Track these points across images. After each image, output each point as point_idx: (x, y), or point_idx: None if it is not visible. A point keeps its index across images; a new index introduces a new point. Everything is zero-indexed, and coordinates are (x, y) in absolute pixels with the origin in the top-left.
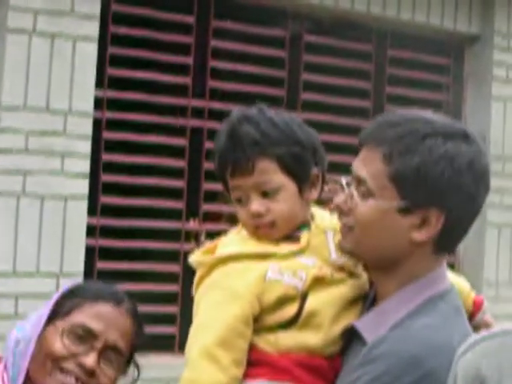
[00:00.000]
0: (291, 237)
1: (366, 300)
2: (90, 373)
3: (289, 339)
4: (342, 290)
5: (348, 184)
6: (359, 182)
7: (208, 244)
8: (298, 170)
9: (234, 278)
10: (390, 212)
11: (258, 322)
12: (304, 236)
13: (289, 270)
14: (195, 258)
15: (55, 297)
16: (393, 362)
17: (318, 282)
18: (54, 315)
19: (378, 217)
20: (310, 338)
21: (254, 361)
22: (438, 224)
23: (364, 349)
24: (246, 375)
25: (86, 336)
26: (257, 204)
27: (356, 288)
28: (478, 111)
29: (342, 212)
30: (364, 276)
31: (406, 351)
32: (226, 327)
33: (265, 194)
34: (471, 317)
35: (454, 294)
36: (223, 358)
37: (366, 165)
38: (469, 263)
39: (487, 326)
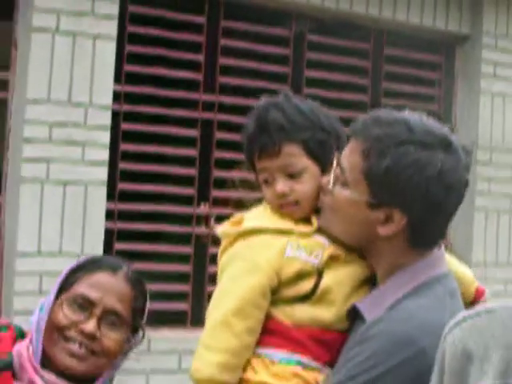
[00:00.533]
0: (311, 217)
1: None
2: (92, 337)
3: (304, 313)
4: (354, 270)
5: (337, 163)
6: (341, 170)
7: (236, 216)
8: (321, 154)
9: (255, 251)
10: (360, 204)
11: (276, 295)
12: None
13: (306, 247)
14: (223, 228)
15: (62, 274)
16: (387, 340)
17: (333, 260)
18: (61, 291)
19: (349, 206)
20: (323, 313)
21: (270, 330)
22: (400, 223)
23: (362, 327)
24: (261, 342)
25: (85, 305)
26: (282, 185)
27: (366, 269)
28: (468, 105)
29: (324, 191)
30: None
31: (399, 330)
32: (243, 297)
33: (290, 176)
34: (474, 303)
35: (451, 278)
36: (237, 326)
37: (349, 156)
38: (458, 246)
39: None
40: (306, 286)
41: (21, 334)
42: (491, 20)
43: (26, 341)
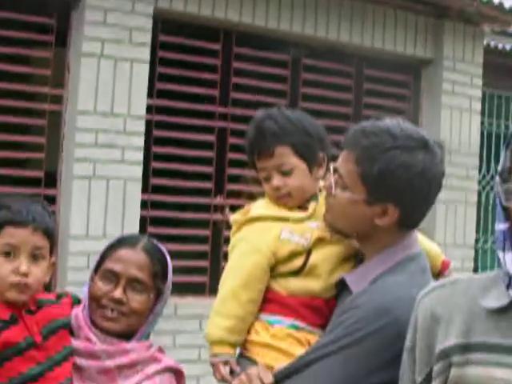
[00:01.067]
0: (303, 206)
1: (357, 258)
2: (120, 302)
3: (296, 284)
4: (338, 249)
5: (334, 170)
6: (339, 176)
7: (245, 207)
8: (307, 154)
9: (256, 235)
10: (358, 202)
11: (274, 270)
12: (312, 205)
13: (298, 231)
14: (234, 216)
15: (99, 253)
16: (368, 310)
17: (320, 241)
18: (98, 267)
19: (350, 205)
20: (312, 284)
21: (269, 299)
22: (394, 215)
23: (349, 298)
24: (262, 309)
25: (112, 277)
26: (276, 180)
27: (348, 248)
28: (431, 117)
29: (327, 193)
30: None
31: (378, 302)
32: (248, 273)
33: (283, 173)
34: (440, 274)
35: (423, 256)
36: (243, 297)
37: (344, 164)
38: (424, 230)
39: None
40: (298, 262)
41: (77, 301)
42: (450, 47)
43: (81, 306)
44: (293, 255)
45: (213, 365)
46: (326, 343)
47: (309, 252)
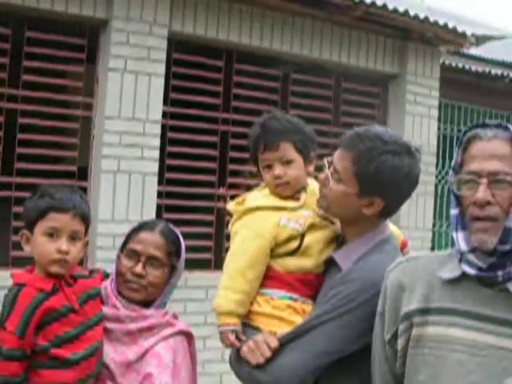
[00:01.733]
0: (295, 197)
1: (338, 240)
2: (140, 276)
3: (292, 263)
4: (326, 233)
5: (329, 163)
6: (335, 170)
7: (239, 198)
8: (304, 150)
9: (259, 223)
10: (351, 194)
11: (273, 252)
12: (303, 196)
13: (294, 218)
14: (231, 206)
15: (124, 235)
16: (358, 284)
17: (312, 226)
18: (123, 247)
19: (343, 196)
20: (305, 263)
21: (270, 276)
22: (379, 207)
23: (338, 273)
24: (264, 285)
25: (134, 255)
26: (278, 169)
27: (333, 231)
28: (397, 122)
29: (322, 184)
30: (338, 223)
31: (367, 277)
32: (252, 255)
33: (284, 164)
34: (400, 251)
35: (393, 238)
36: (249, 275)
37: (341, 161)
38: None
39: None
40: (294, 244)
41: (106, 275)
42: (413, 64)
43: (109, 279)
44: (289, 239)
45: (221, 333)
46: (323, 312)
47: (303, 236)
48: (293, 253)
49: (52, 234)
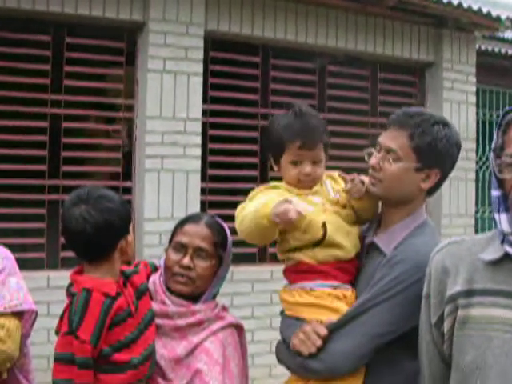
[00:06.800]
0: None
1: (361, 224)
2: (188, 268)
3: (322, 254)
4: (341, 218)
5: (379, 148)
6: (388, 151)
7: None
8: (326, 152)
9: (273, 194)
10: (410, 170)
11: (299, 241)
12: (316, 186)
13: (304, 201)
14: (257, 188)
15: (173, 229)
16: (404, 267)
17: (324, 211)
18: (171, 242)
19: (403, 173)
20: (334, 252)
21: (303, 270)
22: (436, 178)
23: (382, 257)
24: (301, 279)
25: (181, 248)
26: (309, 168)
27: (348, 216)
28: (435, 110)
29: (374, 169)
30: (349, 208)
31: (414, 259)
32: (269, 198)
33: (314, 163)
34: None
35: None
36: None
37: (394, 140)
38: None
39: None
40: (317, 234)
41: (154, 268)
42: (448, 51)
43: (158, 274)
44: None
45: (277, 215)
46: (372, 296)
47: (324, 225)
48: (318, 243)
49: None
